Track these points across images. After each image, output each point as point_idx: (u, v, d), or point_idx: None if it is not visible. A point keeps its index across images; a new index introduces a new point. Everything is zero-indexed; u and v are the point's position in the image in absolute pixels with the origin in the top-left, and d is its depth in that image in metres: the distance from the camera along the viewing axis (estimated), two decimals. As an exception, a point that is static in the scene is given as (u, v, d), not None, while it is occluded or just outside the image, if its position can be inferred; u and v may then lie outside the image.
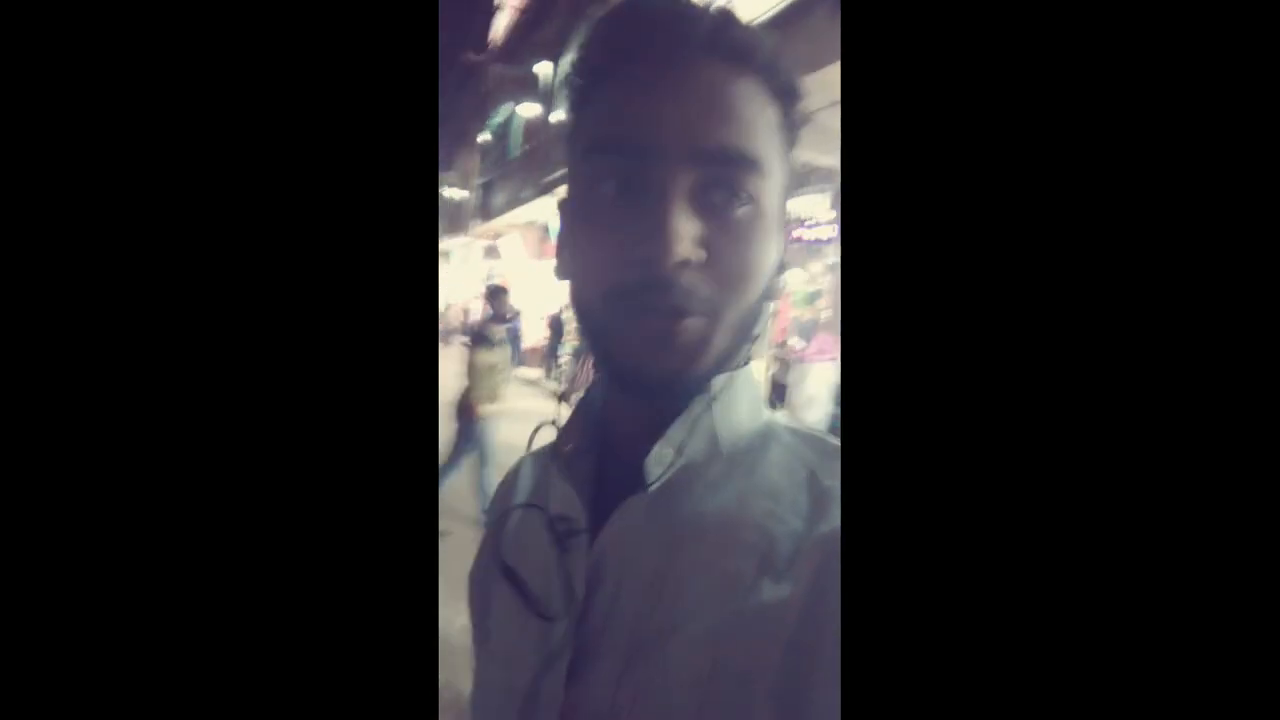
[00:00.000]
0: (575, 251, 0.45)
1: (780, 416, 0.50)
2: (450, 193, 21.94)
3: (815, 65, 3.72)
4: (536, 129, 13.23)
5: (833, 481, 0.44)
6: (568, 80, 0.46)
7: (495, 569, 0.50)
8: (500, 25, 16.38)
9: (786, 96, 0.44)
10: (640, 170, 0.41)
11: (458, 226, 20.10)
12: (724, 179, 0.41)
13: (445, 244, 21.39)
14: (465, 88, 21.79)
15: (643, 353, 0.41)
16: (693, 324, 0.41)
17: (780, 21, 4.91)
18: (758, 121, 0.42)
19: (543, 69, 12.67)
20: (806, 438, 0.48)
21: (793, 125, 0.45)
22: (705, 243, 0.40)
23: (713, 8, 0.43)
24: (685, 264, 0.40)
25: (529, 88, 13.23)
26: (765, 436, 0.48)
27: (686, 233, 0.39)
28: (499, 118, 16.23)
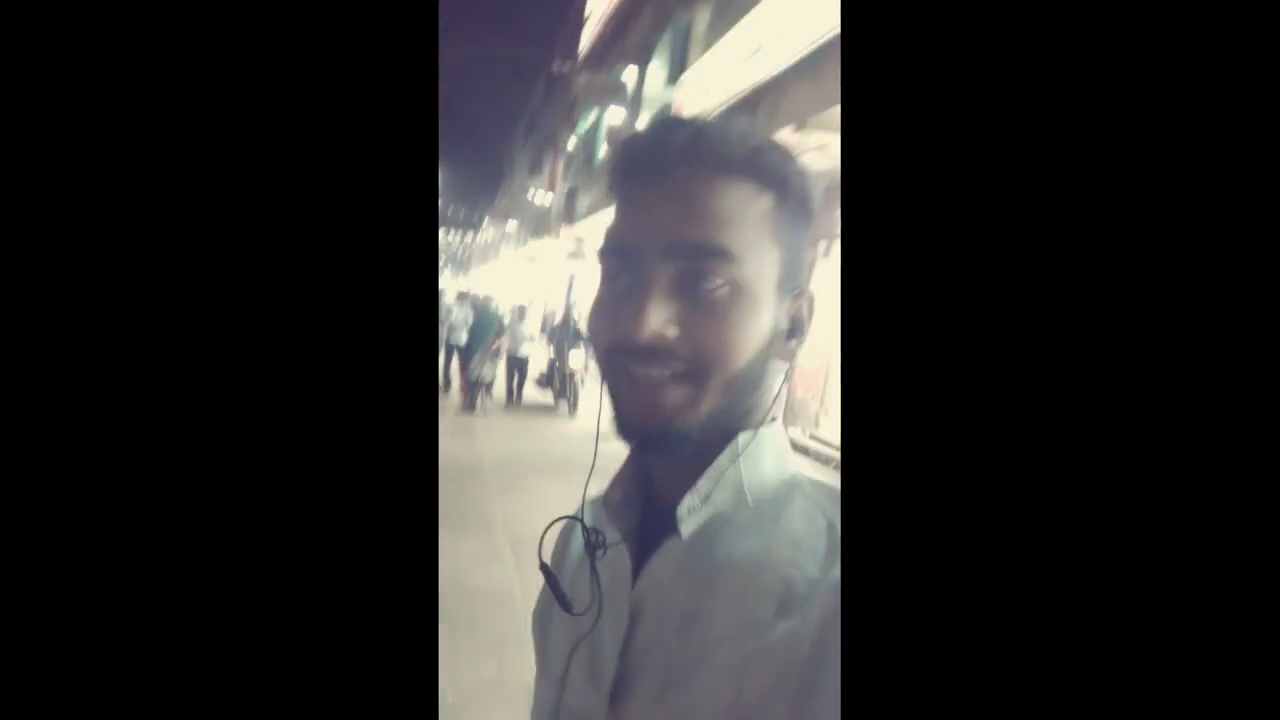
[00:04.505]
0: (591, 319, 0.53)
1: (805, 469, 0.54)
2: (537, 197, 22.57)
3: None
4: (621, 136, 13.41)
5: None
6: (608, 189, 0.55)
7: (557, 612, 0.58)
8: (588, 35, 16.78)
9: (780, 183, 0.50)
10: (630, 264, 0.49)
11: (543, 230, 20.63)
12: (695, 268, 0.47)
13: (532, 247, 22.03)
14: (553, 96, 22.39)
15: (636, 409, 0.49)
16: (675, 386, 0.48)
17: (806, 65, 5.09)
18: (738, 213, 0.48)
19: (629, 76, 12.95)
20: (827, 490, 0.52)
21: (797, 205, 0.51)
22: (680, 321, 0.47)
23: (690, 121, 0.51)
24: (660, 337, 0.47)
25: (615, 95, 13.53)
26: (790, 487, 0.52)
27: (660, 313, 0.47)
28: (585, 125, 16.61)
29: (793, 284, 0.52)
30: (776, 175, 0.50)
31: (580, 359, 8.98)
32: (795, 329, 0.53)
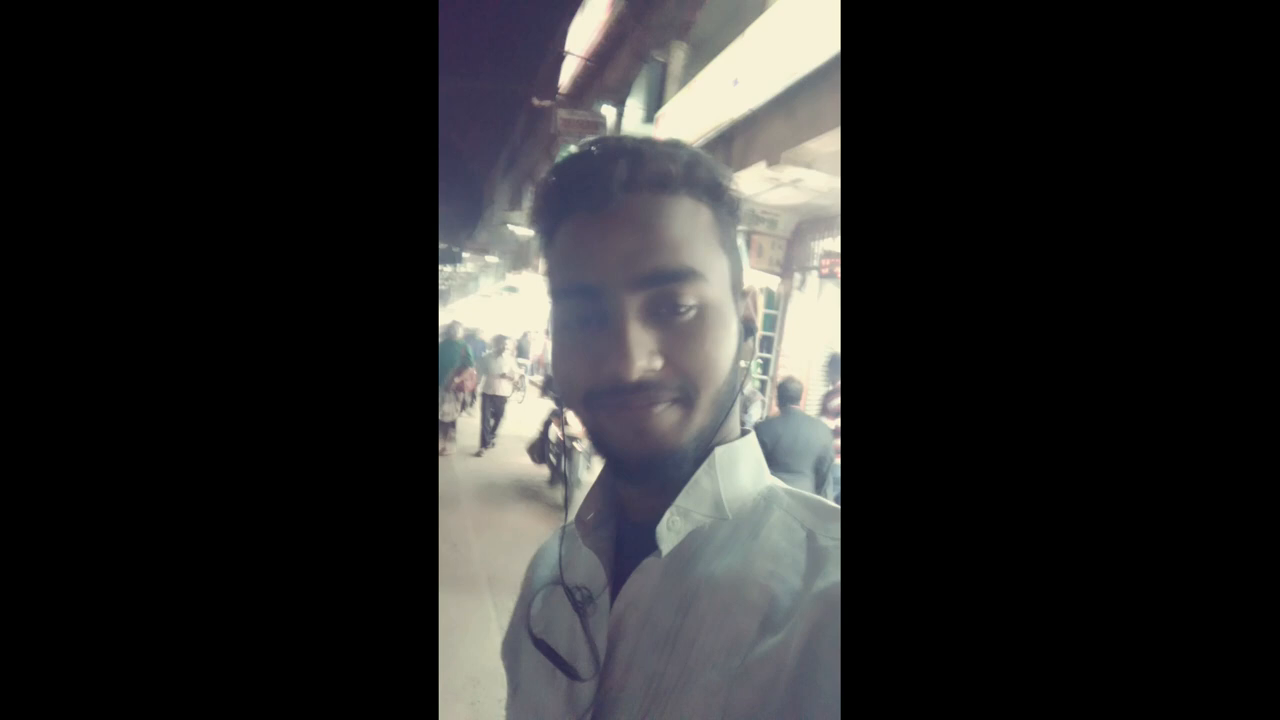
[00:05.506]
0: (558, 369, 0.50)
1: (779, 482, 0.54)
2: (518, 231, 22.68)
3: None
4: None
5: (829, 541, 0.47)
6: (534, 226, 0.52)
7: (527, 639, 0.55)
8: (567, 72, 17.05)
9: (713, 193, 0.49)
10: (596, 304, 0.47)
11: (523, 263, 20.68)
12: (667, 294, 0.46)
13: (512, 279, 22.05)
14: (534, 131, 22.64)
15: (625, 440, 0.47)
16: (666, 411, 0.47)
17: (788, 96, 5.27)
18: (691, 229, 0.47)
19: (607, 112, 13.17)
20: (805, 500, 0.51)
21: (730, 211, 0.51)
22: (662, 349, 0.46)
23: (622, 140, 0.49)
24: (648, 371, 0.46)
25: (594, 130, 13.74)
26: (767, 500, 0.52)
27: (642, 346, 0.45)
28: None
29: (739, 287, 0.52)
30: (708, 185, 0.49)
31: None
32: (749, 328, 0.53)
